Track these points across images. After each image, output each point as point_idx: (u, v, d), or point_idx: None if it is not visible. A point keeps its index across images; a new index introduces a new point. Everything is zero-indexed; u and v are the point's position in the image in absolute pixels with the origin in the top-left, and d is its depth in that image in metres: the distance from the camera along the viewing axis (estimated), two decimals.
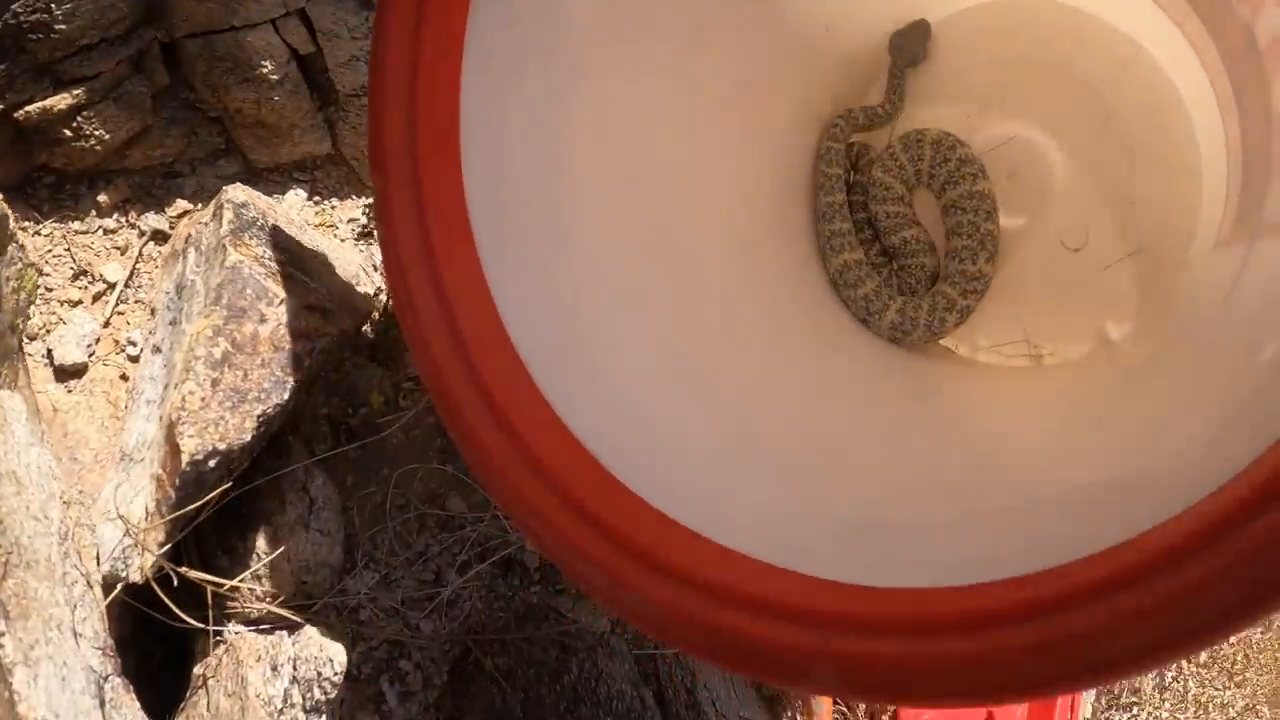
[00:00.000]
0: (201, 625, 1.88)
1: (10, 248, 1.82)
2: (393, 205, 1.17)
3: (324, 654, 1.82)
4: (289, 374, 1.72)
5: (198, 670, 1.94)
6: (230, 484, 1.76)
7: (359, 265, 2.05)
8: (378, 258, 2.15)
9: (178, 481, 1.68)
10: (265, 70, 2.16)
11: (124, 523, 1.73)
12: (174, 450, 1.67)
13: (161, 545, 1.78)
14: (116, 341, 2.17)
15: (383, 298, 2.10)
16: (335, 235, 2.24)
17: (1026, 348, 1.65)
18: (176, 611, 1.79)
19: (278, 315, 1.73)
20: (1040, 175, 1.70)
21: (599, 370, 1.27)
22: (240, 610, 1.92)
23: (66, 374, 2.13)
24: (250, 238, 1.83)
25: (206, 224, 1.91)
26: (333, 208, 2.27)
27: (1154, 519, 0.87)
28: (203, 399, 1.67)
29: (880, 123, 1.74)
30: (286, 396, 1.72)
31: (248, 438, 1.67)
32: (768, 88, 1.70)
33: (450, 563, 2.02)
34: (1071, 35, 1.67)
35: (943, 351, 1.72)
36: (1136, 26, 1.62)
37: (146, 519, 1.79)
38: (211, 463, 1.67)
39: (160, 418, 1.84)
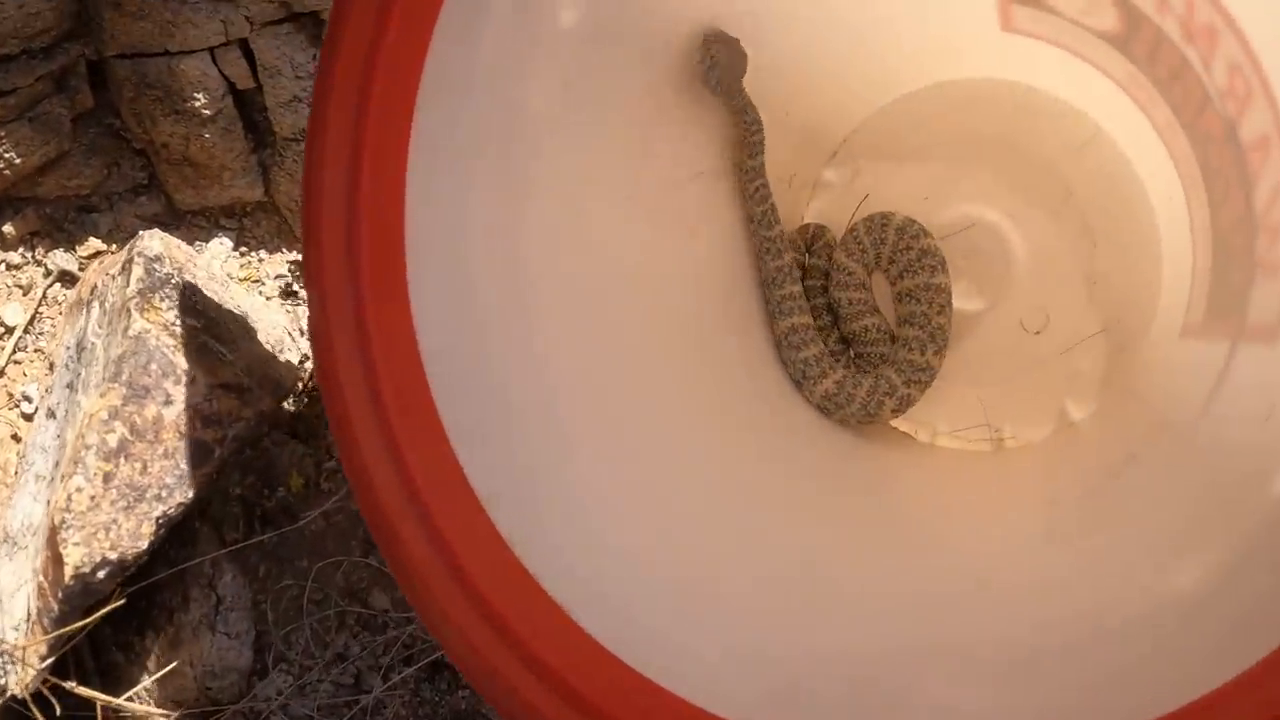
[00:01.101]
0: None
1: None
2: (330, 314, 0.97)
3: None
4: (196, 467, 1.35)
5: None
6: (122, 597, 1.38)
7: (284, 329, 1.68)
8: (304, 321, 1.77)
9: (60, 594, 1.30)
10: (198, 103, 1.78)
11: (3, 650, 1.35)
12: (57, 559, 1.29)
13: (44, 658, 1.39)
14: (10, 395, 1.77)
15: (308, 365, 1.73)
16: (260, 292, 1.86)
17: (988, 431, 1.50)
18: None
19: (185, 396, 1.35)
20: (999, 255, 1.56)
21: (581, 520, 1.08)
22: (133, 714, 1.54)
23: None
24: (161, 299, 1.45)
25: (114, 277, 1.53)
26: (260, 260, 1.89)
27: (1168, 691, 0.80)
28: (92, 498, 1.29)
29: (757, 146, 1.47)
30: (191, 495, 1.35)
31: (143, 544, 1.31)
32: (724, 169, 1.51)
33: (373, 665, 1.65)
34: (1030, 113, 1.55)
35: (901, 438, 1.54)
36: (1097, 107, 1.50)
37: (28, 625, 1.41)
38: (101, 574, 1.30)
39: (48, 503, 1.45)
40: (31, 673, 1.41)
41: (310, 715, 1.61)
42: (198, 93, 1.77)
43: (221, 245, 1.87)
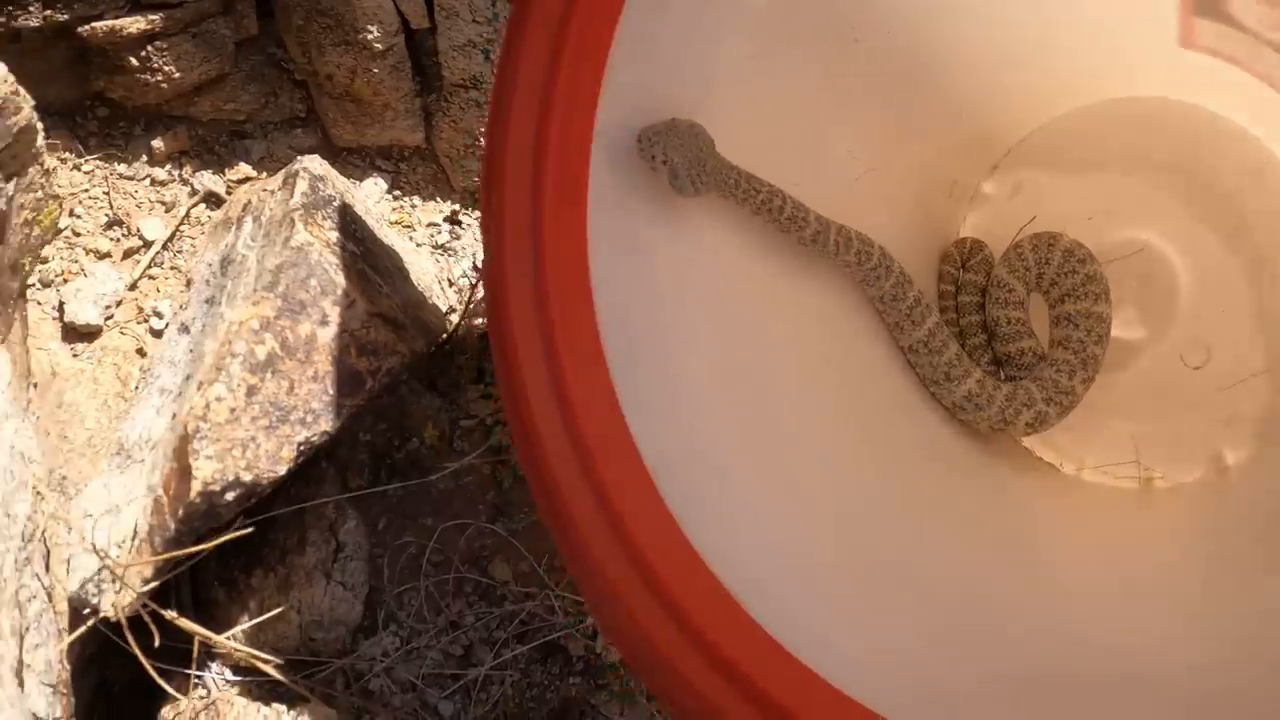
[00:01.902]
0: (183, 671, 1.29)
1: (32, 170, 1.24)
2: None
3: None
4: (345, 396, 1.15)
5: (166, 712, 1.36)
6: (246, 525, 1.17)
7: (434, 277, 1.49)
8: (455, 271, 1.58)
9: (181, 512, 1.10)
10: (370, 36, 1.59)
11: (99, 556, 1.15)
12: (183, 472, 1.09)
13: (147, 581, 1.19)
14: (140, 309, 1.59)
15: (454, 318, 1.53)
16: (411, 238, 1.67)
17: (1136, 469, 1.36)
18: (150, 669, 1.21)
19: (343, 318, 1.16)
20: (1164, 284, 1.41)
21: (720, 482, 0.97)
22: (230, 654, 1.34)
23: (76, 334, 1.54)
24: (323, 218, 1.26)
25: (273, 192, 1.34)
26: (414, 206, 1.70)
27: None
28: (232, 410, 1.09)
29: (793, 217, 1.15)
30: (338, 424, 1.14)
31: (281, 470, 1.10)
32: (895, 170, 1.38)
33: (485, 638, 1.44)
34: (1204, 136, 1.41)
35: (1046, 469, 1.40)
36: (1273, 132, 1.36)
37: (133, 545, 1.21)
38: (229, 495, 1.10)
39: (174, 416, 1.26)
40: (130, 596, 1.21)
41: (414, 682, 1.40)
42: (371, 25, 1.59)
43: (376, 186, 1.69)
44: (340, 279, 1.18)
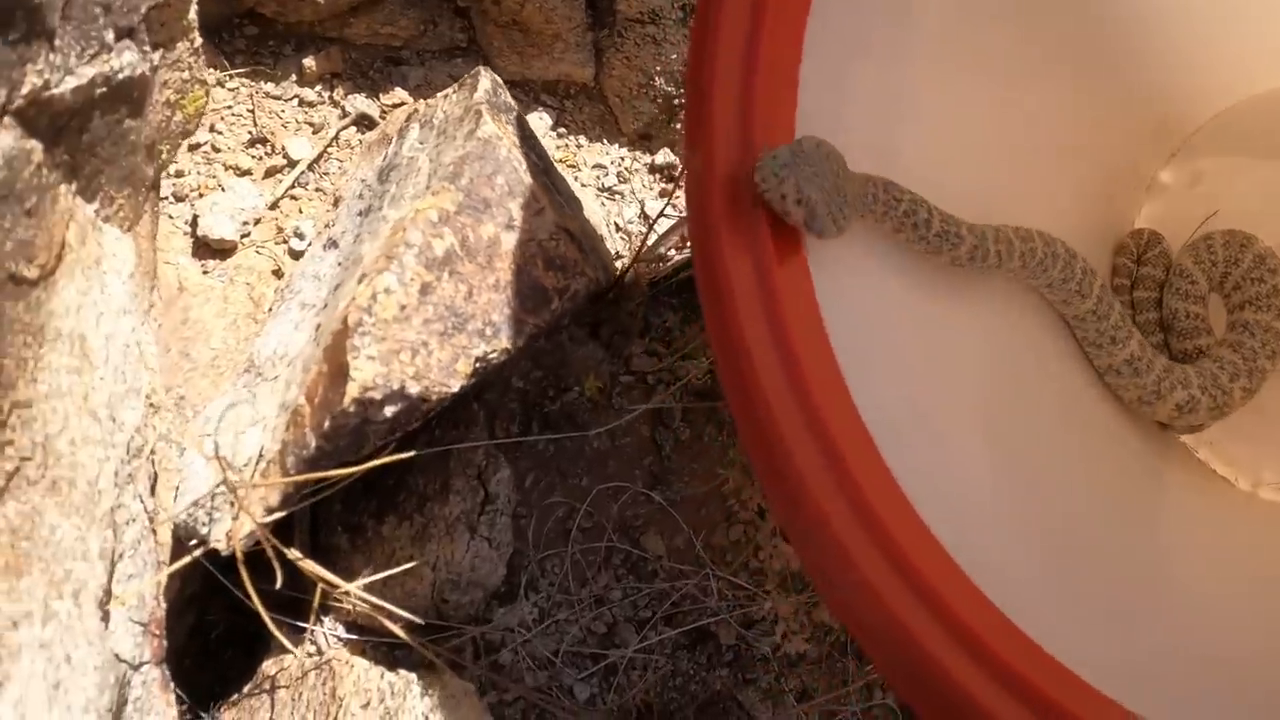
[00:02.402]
0: (291, 622, 1.09)
1: (181, 45, 1.05)
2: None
3: None
4: (528, 313, 0.94)
5: (269, 666, 1.15)
6: (396, 449, 0.97)
7: (600, 220, 1.28)
8: (622, 216, 1.38)
9: (327, 424, 0.90)
10: None
11: (222, 467, 0.94)
12: (336, 374, 0.89)
13: (271, 511, 0.99)
14: (280, 229, 1.40)
15: (620, 264, 1.32)
16: (576, 178, 1.46)
17: None
18: (264, 613, 1.00)
19: (530, 227, 0.95)
20: None
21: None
22: (344, 608, 1.13)
23: (208, 250, 1.36)
24: (505, 121, 1.06)
25: (446, 96, 1.15)
26: (579, 146, 1.51)
27: None
28: (403, 307, 0.89)
29: (944, 231, 0.91)
30: (519, 343, 0.94)
31: (454, 386, 0.90)
32: (1074, 154, 1.23)
33: (631, 616, 1.23)
34: None
35: (1219, 483, 1.23)
36: None
37: (259, 466, 1.00)
38: (388, 409, 0.89)
39: (317, 328, 1.06)
40: (248, 526, 1.01)
41: (551, 660, 1.18)
42: None
43: (540, 121, 1.49)
44: (529, 180, 0.98)
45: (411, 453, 0.96)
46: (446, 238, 0.92)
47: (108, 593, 0.94)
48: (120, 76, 0.95)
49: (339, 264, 1.14)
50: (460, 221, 0.93)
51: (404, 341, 0.89)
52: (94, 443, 0.95)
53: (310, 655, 1.14)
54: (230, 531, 1.03)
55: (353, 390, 0.87)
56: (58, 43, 0.85)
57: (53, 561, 0.86)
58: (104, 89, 0.93)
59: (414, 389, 0.89)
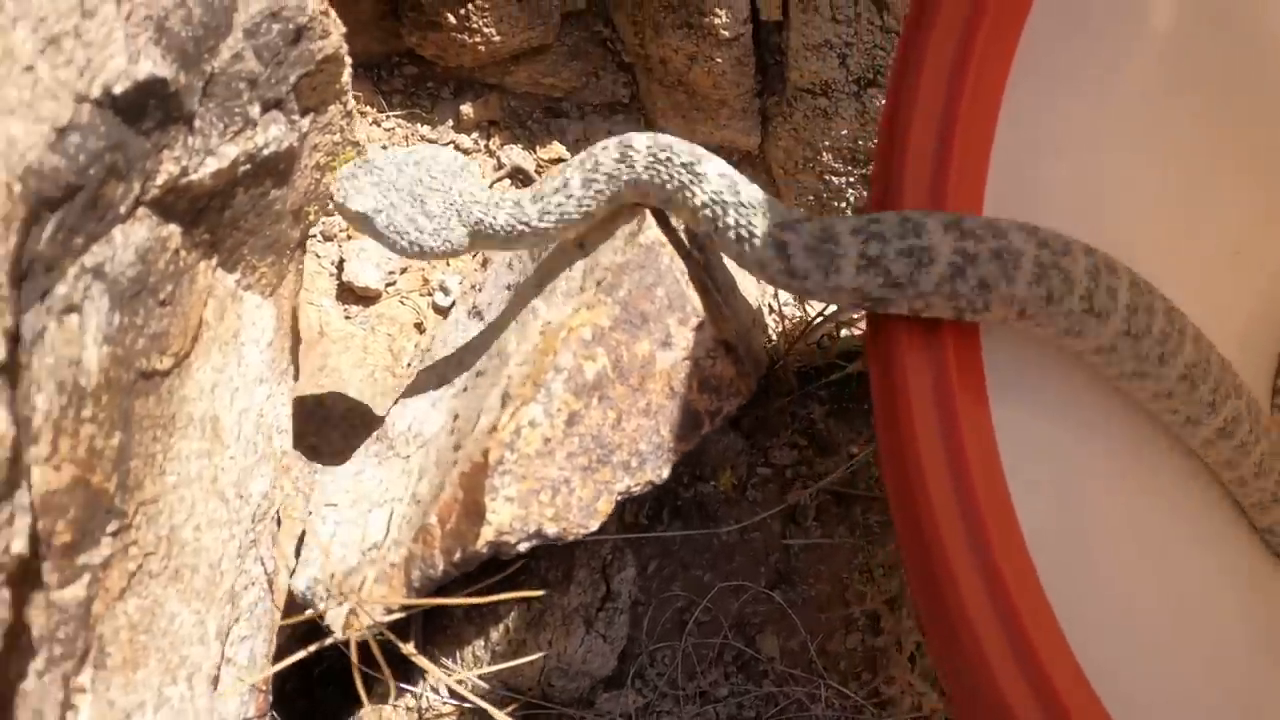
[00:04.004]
0: (400, 688, 0.94)
1: (333, 109, 0.88)
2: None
3: None
4: (678, 440, 0.76)
5: (367, 713, 0.99)
6: (532, 585, 0.80)
7: (755, 298, 1.07)
8: (778, 298, 1.17)
9: (458, 556, 0.73)
10: (718, 21, 1.20)
11: (341, 597, 0.78)
12: (472, 510, 0.71)
13: (389, 612, 0.82)
14: (426, 280, 1.23)
15: (770, 347, 1.12)
16: None
17: None
18: (361, 691, 0.85)
19: (687, 342, 0.76)
20: None
21: None
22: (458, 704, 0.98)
23: (352, 296, 1.20)
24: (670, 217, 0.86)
25: None
26: None
27: None
28: (546, 440, 0.71)
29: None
30: (665, 474, 0.75)
31: (594, 525, 0.73)
32: (1259, 257, 0.99)
33: (735, 715, 1.04)
34: None
35: None
36: None
37: (379, 566, 0.84)
38: (522, 547, 0.71)
39: (455, 418, 0.89)
40: (364, 623, 0.85)
41: None
42: (720, 9, 1.20)
43: None
44: (691, 294, 0.78)
45: (540, 592, 0.78)
46: (599, 359, 0.73)
47: (221, 660, 0.80)
48: (266, 151, 0.78)
49: (481, 343, 0.96)
50: (614, 339, 0.75)
51: (545, 480, 0.71)
52: (219, 524, 0.80)
53: (409, 710, 1.00)
54: (346, 623, 0.87)
55: (487, 534, 0.70)
56: (197, 124, 0.69)
57: (169, 650, 0.72)
58: (248, 166, 0.76)
59: (551, 530, 0.71)
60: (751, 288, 1.15)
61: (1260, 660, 0.88)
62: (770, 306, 1.15)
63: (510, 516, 0.70)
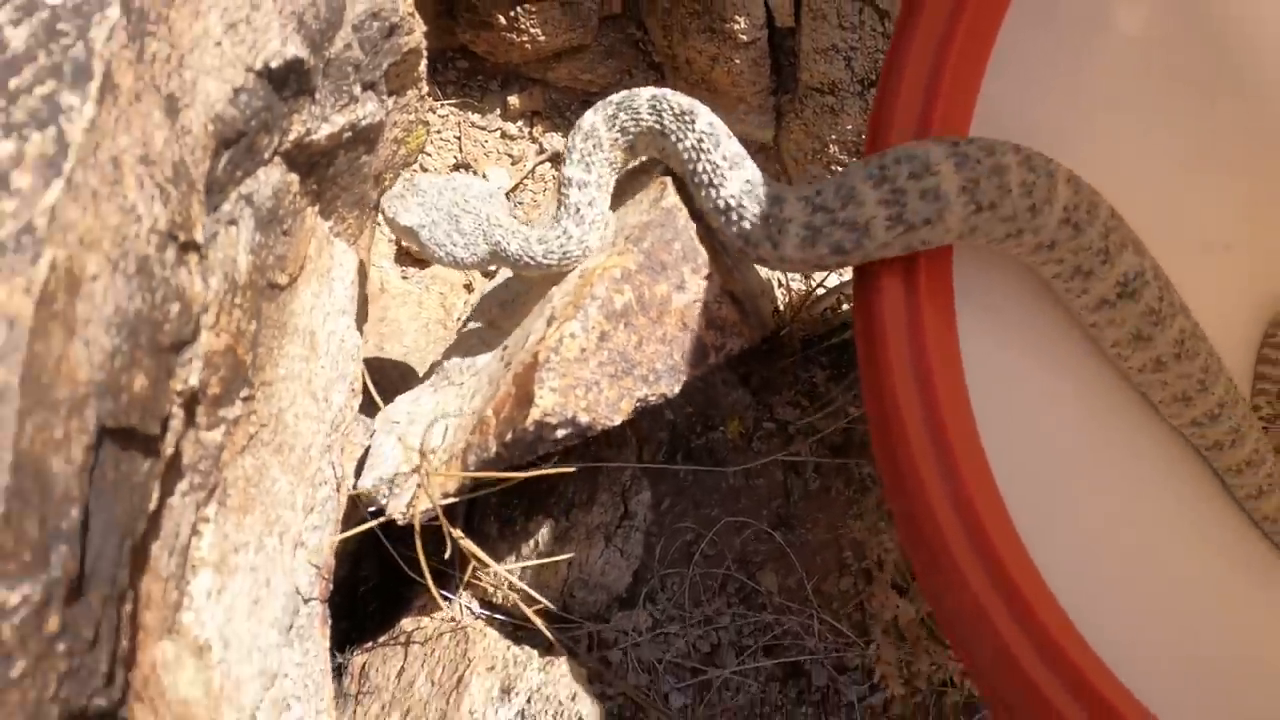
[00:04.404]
0: (442, 595, 1.17)
1: (410, 92, 1.14)
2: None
3: (573, 707, 1.08)
4: (687, 365, 0.99)
5: (407, 624, 1.25)
6: (570, 465, 1.04)
7: (766, 273, 1.31)
8: (788, 275, 1.41)
9: (509, 436, 0.97)
10: (737, 27, 1.45)
11: (419, 457, 1.02)
12: (523, 399, 0.96)
13: (446, 495, 1.07)
14: None
15: (780, 314, 1.36)
16: None
17: None
18: (429, 582, 1.08)
19: (698, 288, 1.00)
20: None
21: None
22: (482, 585, 1.20)
23: (409, 259, 1.45)
24: (685, 189, 1.11)
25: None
26: None
27: None
28: (583, 350, 0.95)
29: None
30: (676, 390, 0.99)
31: (615, 420, 0.96)
32: (1242, 253, 1.15)
33: (734, 641, 1.26)
34: None
35: None
36: None
37: (443, 456, 1.08)
38: (560, 431, 0.96)
39: (505, 348, 1.13)
40: (424, 504, 1.09)
41: (655, 665, 1.23)
42: (739, 15, 1.45)
43: None
44: (702, 248, 1.02)
45: (572, 468, 1.03)
46: (626, 293, 0.98)
47: (297, 542, 1.04)
48: (364, 123, 1.04)
49: (526, 292, 1.21)
50: (639, 280, 0.99)
51: (580, 379, 0.95)
52: (311, 418, 1.05)
53: (446, 621, 1.23)
54: (412, 502, 1.11)
55: (535, 414, 0.94)
56: (318, 96, 0.94)
57: (270, 506, 0.96)
58: (349, 133, 1.02)
59: (584, 419, 0.95)
60: (764, 269, 1.39)
61: (1195, 568, 1.06)
62: (779, 280, 1.39)
63: (553, 403, 0.94)
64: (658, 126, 0.98)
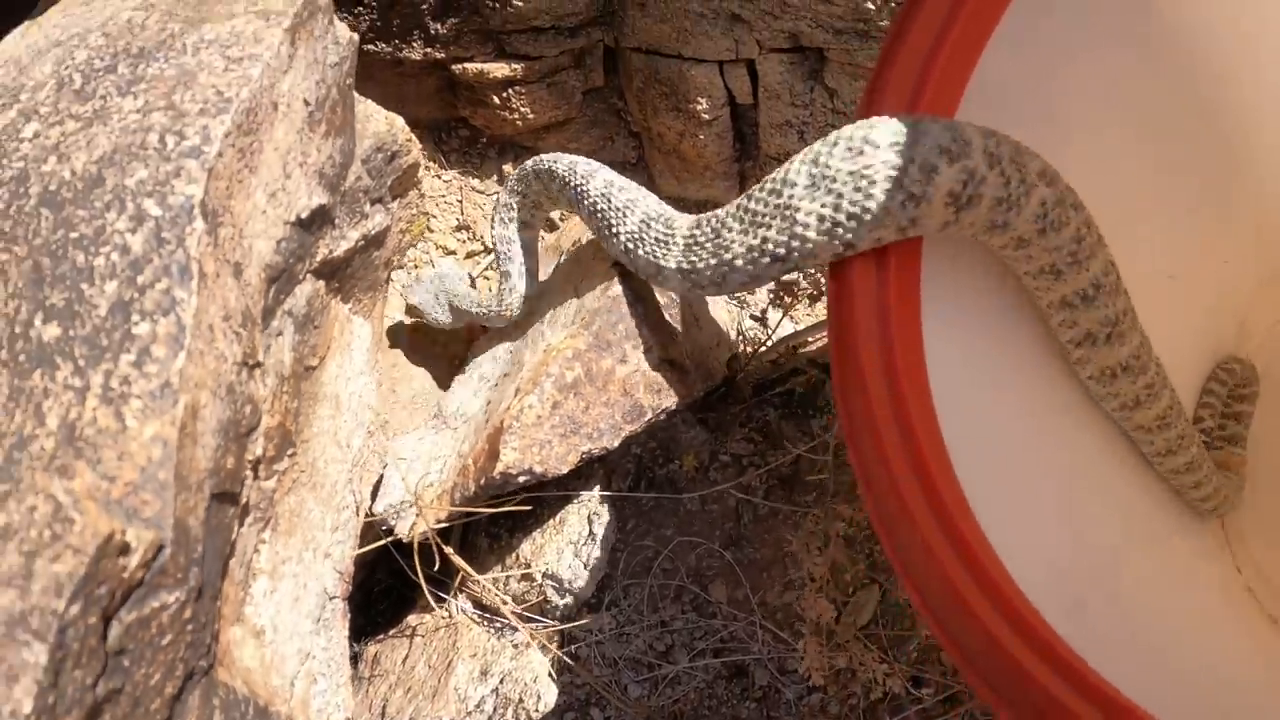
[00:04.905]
0: (436, 596, 1.61)
1: (411, 193, 1.58)
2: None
3: (535, 686, 1.53)
4: (626, 423, 1.42)
5: (412, 618, 1.70)
6: (527, 504, 1.48)
7: (726, 324, 1.73)
8: (744, 323, 1.83)
9: (483, 480, 1.41)
10: (699, 108, 1.86)
11: (415, 497, 1.47)
12: (492, 454, 1.39)
13: (439, 521, 1.51)
14: None
15: (736, 360, 1.78)
16: None
17: None
18: (423, 583, 1.52)
19: (638, 361, 1.43)
20: None
21: None
22: (473, 591, 1.65)
23: (417, 312, 1.89)
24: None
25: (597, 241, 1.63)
26: None
27: None
28: (538, 417, 1.38)
29: None
30: (616, 444, 1.42)
31: (564, 469, 1.39)
32: (1190, 283, 1.28)
33: (686, 643, 1.69)
34: None
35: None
36: None
37: (436, 490, 1.53)
38: (521, 478, 1.39)
39: (488, 402, 1.57)
40: (423, 527, 1.54)
41: (616, 661, 1.66)
42: (702, 98, 1.86)
43: None
44: (644, 330, 1.45)
45: (528, 507, 1.47)
46: (576, 369, 1.41)
47: (326, 552, 1.49)
48: (374, 232, 1.48)
49: (510, 353, 1.65)
50: (588, 357, 1.42)
51: (536, 439, 1.39)
52: (337, 461, 1.50)
53: (443, 618, 1.67)
54: (413, 525, 1.56)
55: (500, 466, 1.38)
56: (336, 221, 1.39)
57: (307, 529, 1.41)
58: (363, 242, 1.46)
59: (538, 469, 1.39)
60: (723, 314, 1.82)
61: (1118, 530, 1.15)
62: (739, 328, 1.81)
63: (514, 459, 1.38)
64: (556, 189, 1.47)
